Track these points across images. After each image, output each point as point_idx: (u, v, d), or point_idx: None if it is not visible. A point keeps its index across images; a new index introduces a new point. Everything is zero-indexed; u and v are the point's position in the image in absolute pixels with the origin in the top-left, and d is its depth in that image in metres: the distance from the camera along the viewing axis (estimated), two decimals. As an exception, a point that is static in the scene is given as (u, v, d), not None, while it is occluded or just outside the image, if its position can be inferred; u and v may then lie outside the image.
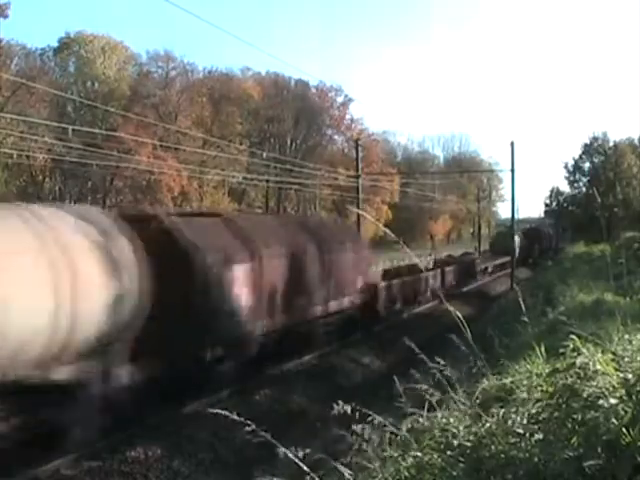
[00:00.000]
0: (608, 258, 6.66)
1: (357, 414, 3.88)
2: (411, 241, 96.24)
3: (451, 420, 3.63)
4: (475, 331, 4.67)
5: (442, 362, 4.52)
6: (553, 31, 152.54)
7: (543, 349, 4.51)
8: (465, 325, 4.30)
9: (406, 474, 3.41)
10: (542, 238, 64.52)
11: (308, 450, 3.58)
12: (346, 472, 3.57)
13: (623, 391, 2.98)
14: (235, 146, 55.46)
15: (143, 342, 11.00)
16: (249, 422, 3.57)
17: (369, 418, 3.88)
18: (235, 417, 3.67)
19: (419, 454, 3.48)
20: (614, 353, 3.49)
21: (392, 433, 3.79)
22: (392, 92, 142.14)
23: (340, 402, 3.89)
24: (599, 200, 50.74)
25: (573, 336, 3.71)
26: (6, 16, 43.26)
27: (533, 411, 3.36)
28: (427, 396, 4.11)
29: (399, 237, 5.36)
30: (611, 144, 76.01)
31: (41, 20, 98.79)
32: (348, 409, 3.85)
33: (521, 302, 5.60)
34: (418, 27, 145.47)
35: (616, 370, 3.21)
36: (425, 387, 4.22)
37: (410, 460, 3.48)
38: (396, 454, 3.61)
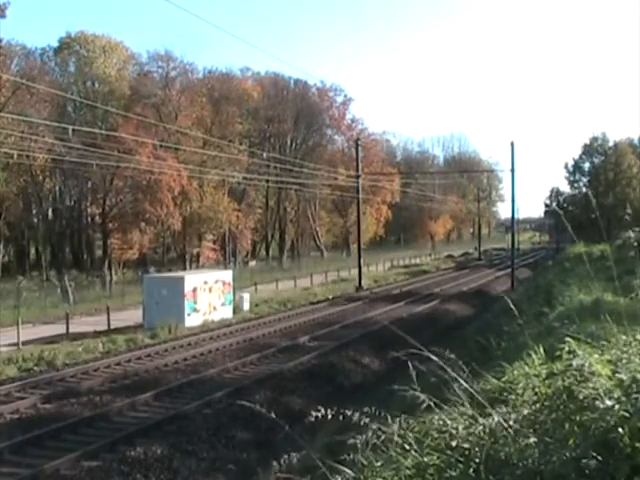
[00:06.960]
0: (608, 258, 6.68)
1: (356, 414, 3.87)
2: (411, 241, 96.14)
3: (449, 421, 3.63)
4: (475, 331, 4.67)
5: (440, 362, 4.51)
6: (553, 32, 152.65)
7: (542, 350, 4.52)
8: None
9: (406, 473, 3.40)
10: None
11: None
12: (347, 471, 3.57)
13: (620, 392, 2.98)
14: (235, 146, 55.40)
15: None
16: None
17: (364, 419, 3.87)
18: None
19: (418, 454, 3.47)
20: (608, 359, 3.48)
21: (391, 434, 3.78)
22: (392, 92, 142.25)
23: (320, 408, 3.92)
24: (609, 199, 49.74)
25: (570, 338, 3.71)
26: (4, 16, 43.09)
27: (531, 412, 3.36)
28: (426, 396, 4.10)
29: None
30: (611, 144, 76.08)
31: (41, 20, 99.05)
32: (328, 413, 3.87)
33: (522, 303, 5.61)
34: (418, 28, 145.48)
35: (612, 372, 3.21)
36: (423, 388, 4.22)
37: (410, 460, 3.48)
38: (396, 454, 3.60)
